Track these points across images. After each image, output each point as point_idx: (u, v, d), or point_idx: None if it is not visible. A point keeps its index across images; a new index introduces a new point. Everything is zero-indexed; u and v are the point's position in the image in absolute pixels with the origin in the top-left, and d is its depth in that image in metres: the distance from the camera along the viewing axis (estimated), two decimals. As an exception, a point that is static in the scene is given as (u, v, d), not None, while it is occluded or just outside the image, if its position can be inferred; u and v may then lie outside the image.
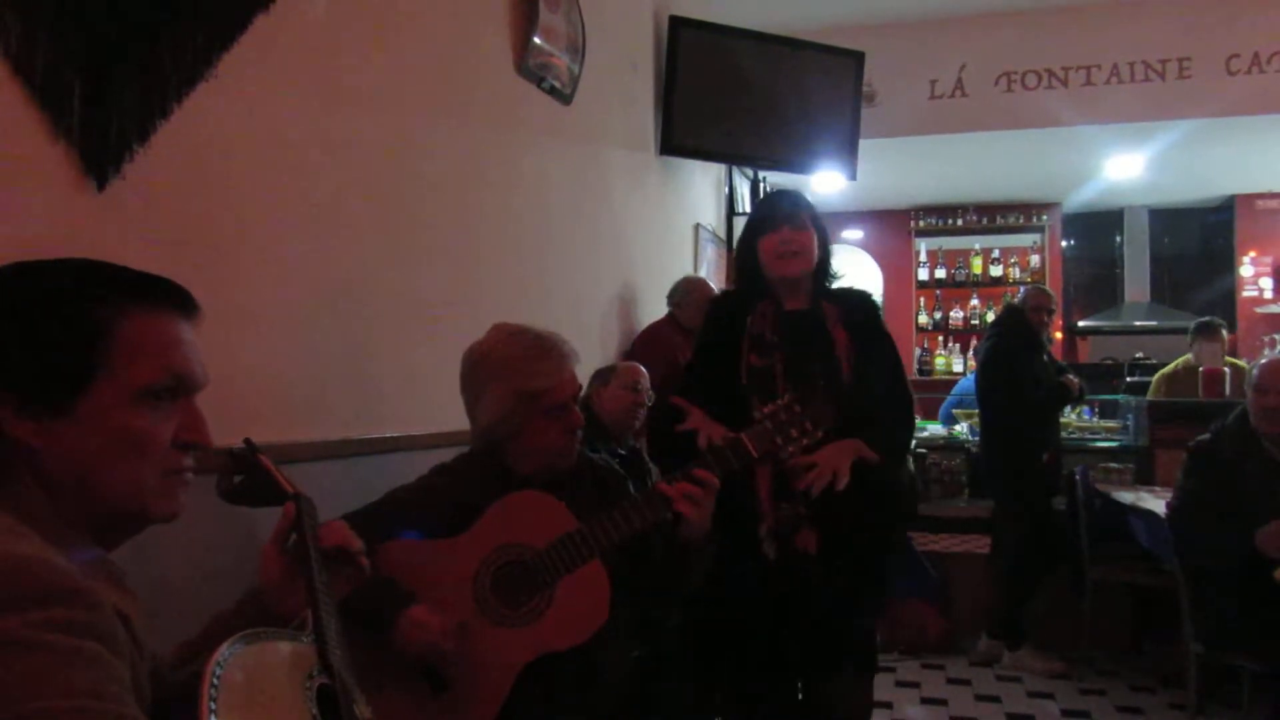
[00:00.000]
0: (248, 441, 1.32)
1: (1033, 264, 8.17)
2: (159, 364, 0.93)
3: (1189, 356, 5.32)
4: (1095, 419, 5.63)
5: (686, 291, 4.03)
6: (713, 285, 4.28)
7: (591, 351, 3.57)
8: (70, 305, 0.90)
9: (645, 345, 3.96)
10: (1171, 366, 5.48)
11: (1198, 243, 8.44)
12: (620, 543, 1.70)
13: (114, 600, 0.85)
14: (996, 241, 8.31)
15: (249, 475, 1.30)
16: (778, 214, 2.28)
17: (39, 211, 1.35)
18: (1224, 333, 5.28)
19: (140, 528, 0.97)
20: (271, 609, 1.18)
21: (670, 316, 4.05)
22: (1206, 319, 5.42)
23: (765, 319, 2.25)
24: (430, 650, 1.59)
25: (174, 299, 0.97)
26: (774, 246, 2.25)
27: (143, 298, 0.94)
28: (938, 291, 8.36)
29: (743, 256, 2.36)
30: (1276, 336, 6.56)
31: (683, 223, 5.19)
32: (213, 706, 0.88)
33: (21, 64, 1.31)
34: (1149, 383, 5.65)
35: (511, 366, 1.79)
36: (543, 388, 1.78)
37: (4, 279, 0.90)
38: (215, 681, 0.90)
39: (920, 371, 8.15)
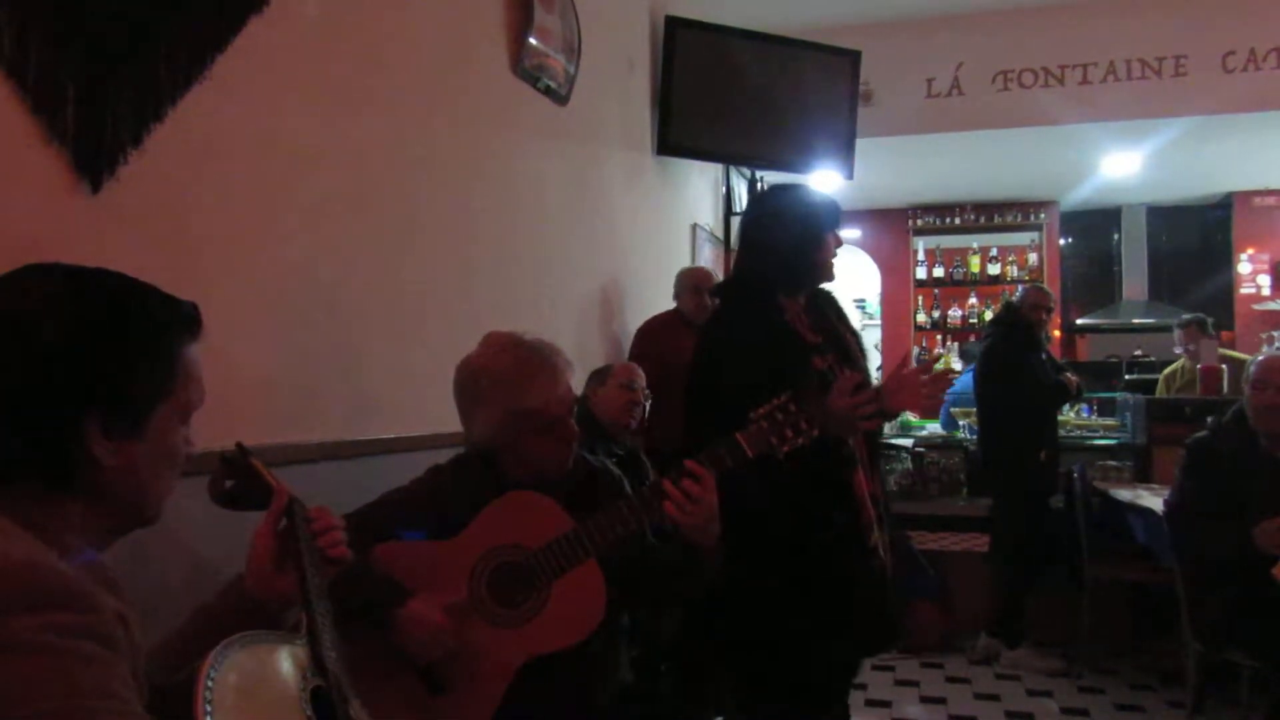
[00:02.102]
0: (239, 445, 1.32)
1: (1031, 262, 8.17)
2: (200, 386, 1.02)
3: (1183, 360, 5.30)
4: (1093, 417, 5.63)
5: (679, 280, 4.08)
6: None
7: (587, 352, 3.58)
8: (158, 334, 0.97)
9: (642, 340, 3.97)
10: (1171, 367, 5.47)
11: (1195, 240, 8.44)
12: (616, 543, 1.70)
13: (111, 603, 0.86)
14: (994, 240, 8.31)
15: (241, 479, 1.30)
16: (838, 215, 2.23)
17: (33, 214, 1.35)
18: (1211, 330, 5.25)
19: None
20: (255, 594, 1.18)
21: (675, 310, 4.07)
22: (1199, 316, 5.38)
23: (799, 318, 2.16)
24: (429, 645, 1.59)
25: (201, 324, 1.03)
26: (834, 246, 2.20)
27: (193, 326, 1.01)
28: (936, 290, 8.35)
29: (797, 241, 2.16)
30: (1274, 334, 6.55)
31: (680, 223, 5.20)
32: (208, 709, 0.88)
33: (15, 67, 1.31)
34: (1147, 380, 5.65)
35: (504, 385, 1.77)
36: (536, 407, 1.76)
37: (84, 295, 0.94)
38: (210, 684, 0.90)
39: (918, 370, 8.13)
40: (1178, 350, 5.32)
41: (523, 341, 1.83)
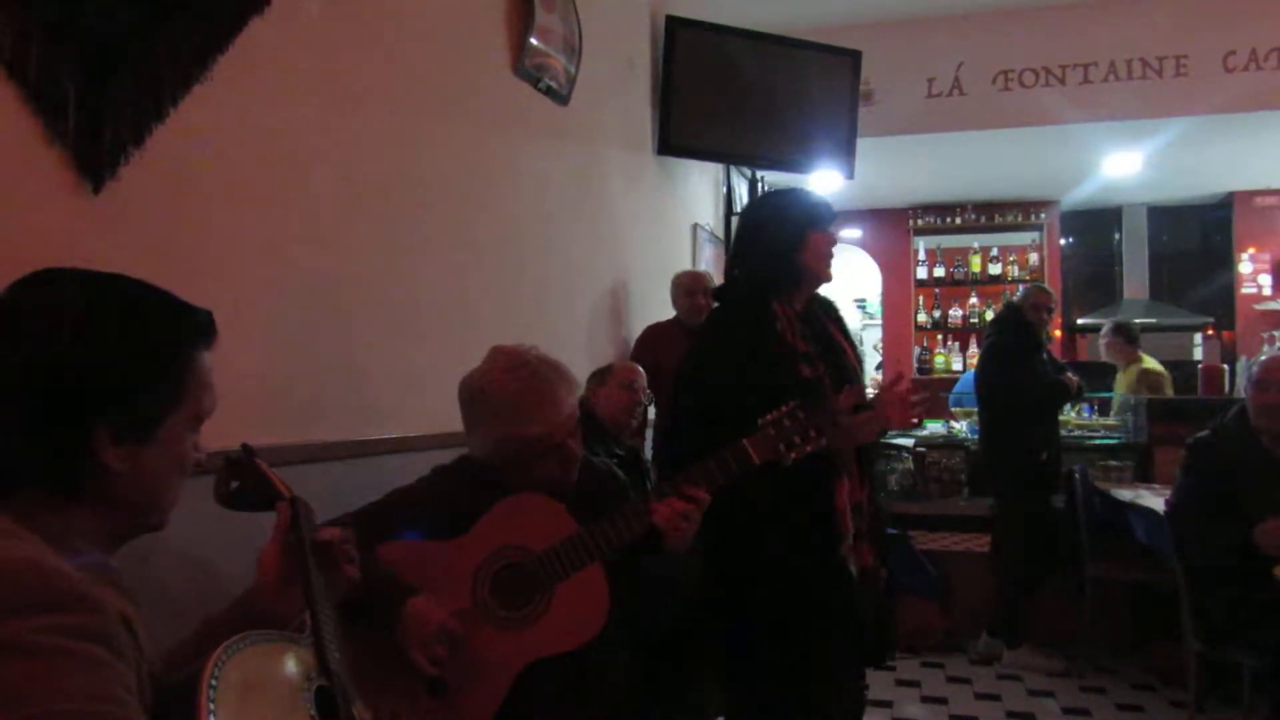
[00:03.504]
0: (245, 447, 1.32)
1: (1031, 262, 8.17)
2: (212, 395, 1.02)
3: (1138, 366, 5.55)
4: (1094, 417, 5.63)
5: (673, 285, 4.10)
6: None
7: (589, 352, 3.57)
8: (171, 342, 0.97)
9: (641, 346, 3.98)
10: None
11: (1196, 240, 8.44)
12: (621, 547, 1.70)
13: (116, 604, 0.86)
14: (995, 240, 8.31)
15: (245, 481, 1.30)
16: (830, 215, 2.21)
17: (35, 214, 1.35)
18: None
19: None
20: (264, 612, 1.18)
21: (675, 317, 4.08)
22: (1119, 322, 5.74)
23: (790, 325, 2.14)
24: (432, 642, 1.59)
25: (215, 332, 1.04)
26: (827, 247, 2.19)
27: (207, 334, 1.02)
28: (936, 290, 8.35)
29: (781, 244, 2.16)
30: (1275, 334, 6.55)
31: (681, 222, 5.20)
32: (211, 707, 0.88)
33: (17, 68, 1.31)
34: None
35: (505, 412, 1.75)
36: (537, 434, 1.74)
37: (97, 303, 0.94)
38: (214, 683, 0.90)
39: (920, 370, 8.14)
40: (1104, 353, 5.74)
41: (527, 363, 1.79)
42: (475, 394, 1.80)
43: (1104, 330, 5.67)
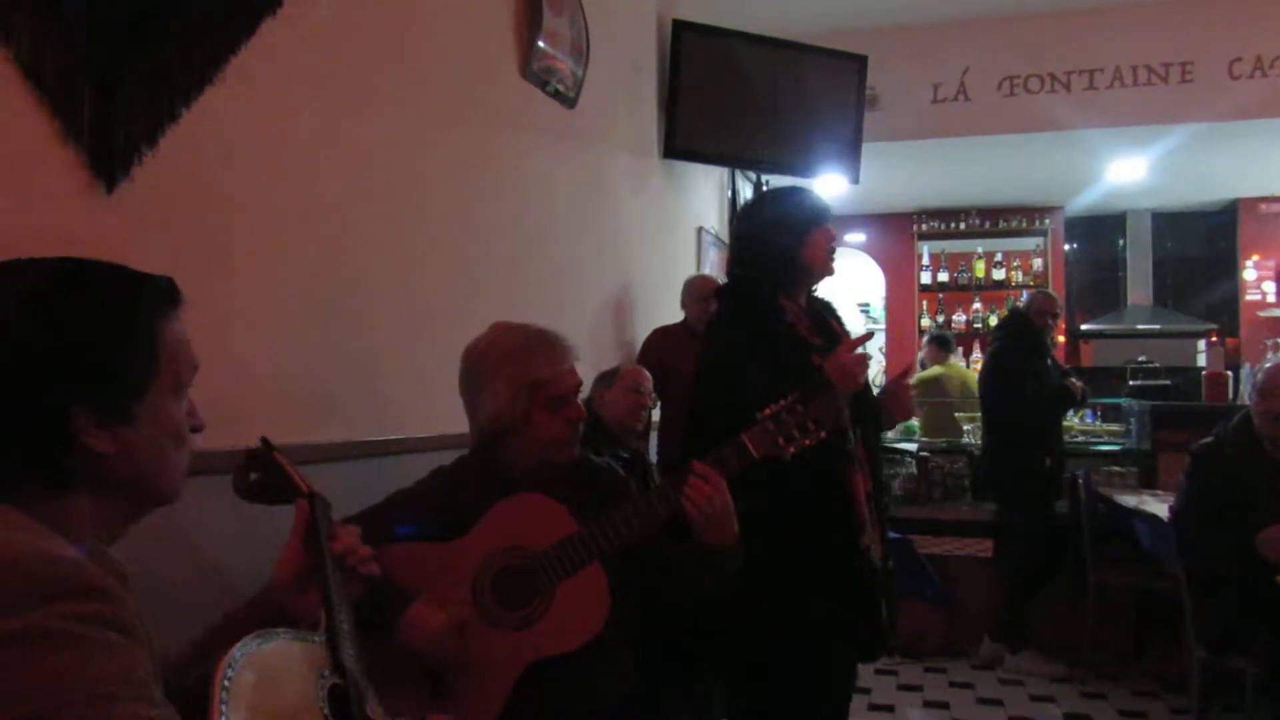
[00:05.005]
0: (264, 440, 1.33)
1: (1035, 267, 8.18)
2: (188, 360, 1.00)
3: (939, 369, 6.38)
4: (1098, 423, 5.63)
5: (687, 289, 4.07)
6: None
7: (593, 354, 3.58)
8: (132, 315, 0.95)
9: (647, 350, 3.98)
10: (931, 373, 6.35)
11: (1201, 246, 8.44)
12: (621, 546, 1.70)
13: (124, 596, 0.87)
14: (999, 245, 8.32)
15: (265, 473, 1.31)
16: (829, 213, 2.28)
17: (49, 213, 1.36)
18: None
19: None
20: (283, 609, 1.18)
21: (682, 321, 4.08)
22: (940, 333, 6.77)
23: (799, 318, 2.21)
24: (431, 650, 1.59)
25: (179, 296, 1.01)
26: (827, 243, 2.24)
27: (172, 300, 1.00)
28: (940, 295, 8.36)
29: (784, 242, 2.21)
30: (1279, 340, 6.55)
31: (686, 226, 5.20)
32: (224, 708, 0.89)
33: (32, 69, 1.32)
34: (1152, 386, 5.66)
35: (512, 359, 1.79)
36: (544, 379, 1.78)
37: (56, 289, 0.93)
38: (226, 682, 0.91)
39: (923, 375, 8.15)
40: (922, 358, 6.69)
41: (529, 324, 1.87)
42: (484, 350, 1.84)
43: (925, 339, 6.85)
